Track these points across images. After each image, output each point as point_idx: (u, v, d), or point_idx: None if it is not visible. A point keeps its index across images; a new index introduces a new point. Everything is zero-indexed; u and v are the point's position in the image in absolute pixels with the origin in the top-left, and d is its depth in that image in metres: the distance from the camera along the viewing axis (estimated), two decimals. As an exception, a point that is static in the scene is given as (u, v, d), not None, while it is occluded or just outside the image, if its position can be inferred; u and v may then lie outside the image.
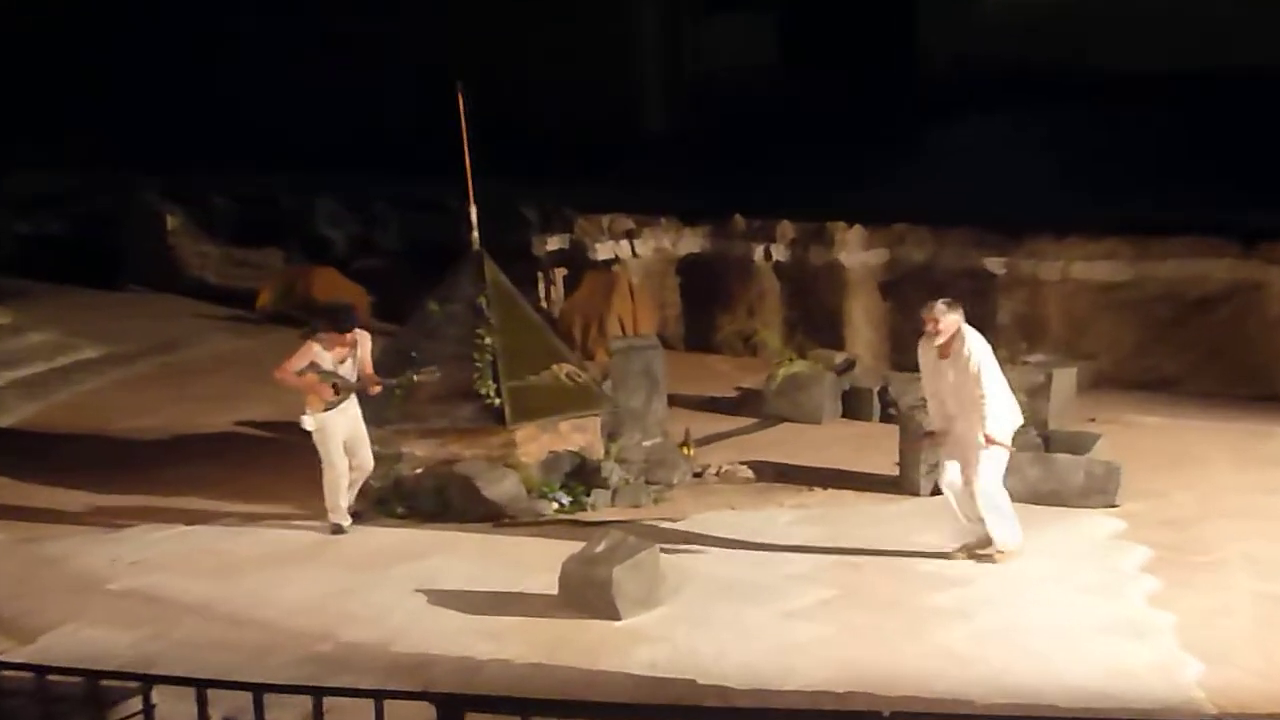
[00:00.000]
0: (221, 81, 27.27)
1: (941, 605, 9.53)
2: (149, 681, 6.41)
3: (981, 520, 10.27)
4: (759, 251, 18.70)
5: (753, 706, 7.54)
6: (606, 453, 12.88)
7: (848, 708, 7.45)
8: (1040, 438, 12.45)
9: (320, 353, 11.34)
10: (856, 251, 18.07)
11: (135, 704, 6.57)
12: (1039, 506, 11.26)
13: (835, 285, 18.17)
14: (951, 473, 10.25)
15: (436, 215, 21.30)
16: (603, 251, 19.41)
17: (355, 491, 11.71)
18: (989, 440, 9.99)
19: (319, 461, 11.52)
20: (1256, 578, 9.68)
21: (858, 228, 18.11)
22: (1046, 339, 16.56)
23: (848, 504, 12.09)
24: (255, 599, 10.05)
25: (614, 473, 12.56)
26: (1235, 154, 17.88)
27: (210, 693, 6.15)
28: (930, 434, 10.68)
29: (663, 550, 9.85)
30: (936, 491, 10.94)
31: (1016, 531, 10.36)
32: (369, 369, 11.55)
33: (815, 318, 18.22)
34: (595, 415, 12.92)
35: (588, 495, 12.31)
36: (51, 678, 6.65)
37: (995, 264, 17.09)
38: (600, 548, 9.61)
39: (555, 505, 12.15)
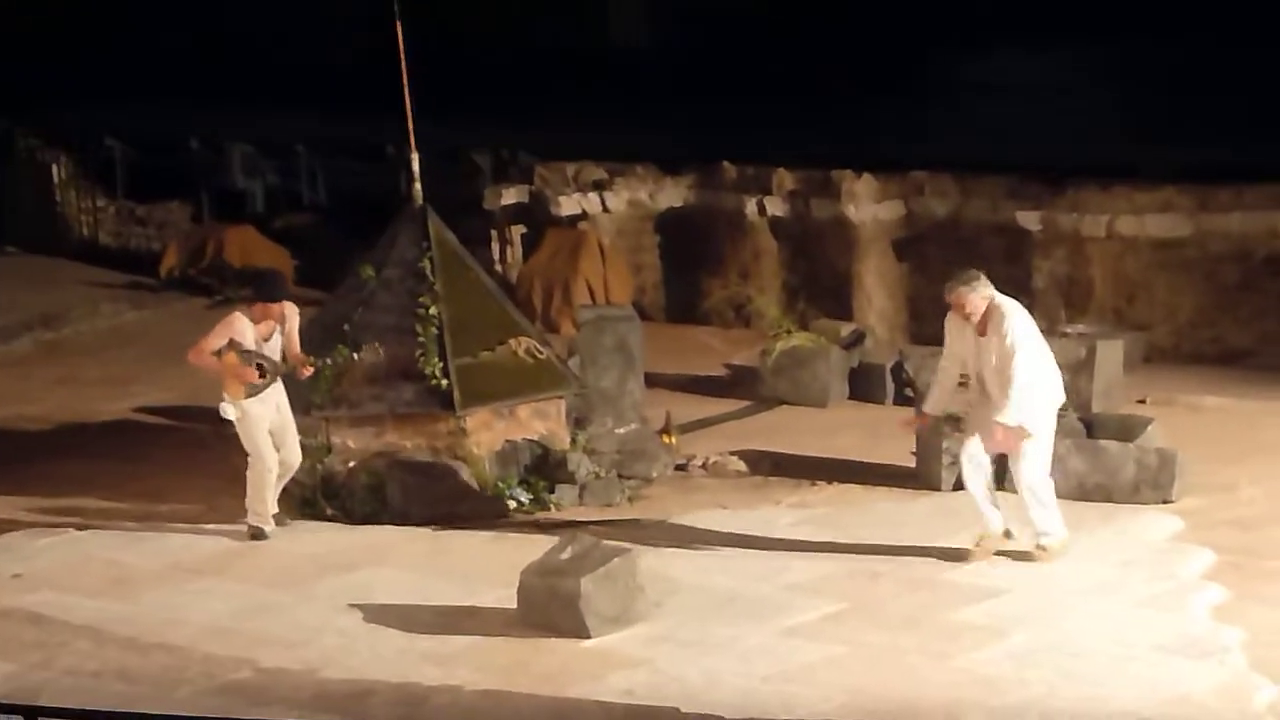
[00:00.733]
0: (116, 1, 27.08)
1: (971, 621, 9.56)
2: (31, 716, 6.44)
3: (997, 506, 10.47)
4: (752, 205, 18.68)
5: (748, 742, 7.53)
6: (573, 442, 12.89)
7: (860, 743, 7.44)
8: (1083, 422, 12.49)
9: (243, 328, 11.36)
10: (867, 204, 18.06)
11: (16, 743, 6.63)
12: (1082, 503, 11.31)
13: (842, 244, 18.17)
14: (974, 445, 10.39)
15: (371, 163, 21.24)
16: (567, 205, 19.33)
17: (279, 490, 11.76)
18: (1004, 431, 10.10)
19: (234, 455, 11.56)
20: (1338, 586, 9.83)
21: (868, 177, 18.10)
22: (1090, 306, 16.59)
23: (858, 501, 12.15)
24: (159, 618, 10.09)
25: (582, 465, 12.56)
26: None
27: (106, 730, 6.13)
28: (922, 416, 10.76)
29: (640, 557, 9.88)
30: (961, 486, 10.96)
31: (1062, 528, 10.46)
32: (296, 347, 11.57)
33: (819, 282, 18.23)
34: (559, 398, 12.95)
35: (551, 492, 12.35)
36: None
37: (1030, 218, 17.12)
38: (566, 554, 9.67)
39: (513, 504, 12.20)
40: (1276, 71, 17.75)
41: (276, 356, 11.42)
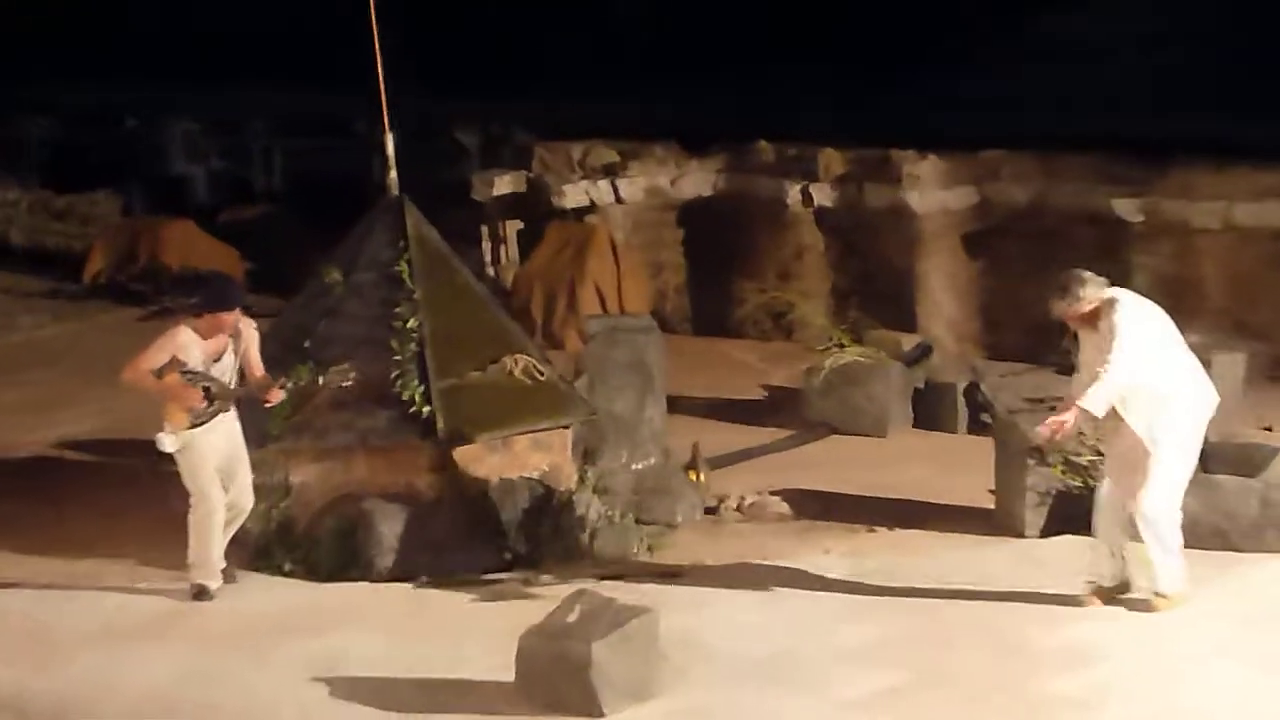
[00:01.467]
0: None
1: (1062, 693, 9.49)
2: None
3: (1124, 558, 10.44)
4: (795, 192, 18.71)
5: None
6: (581, 480, 12.87)
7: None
8: (1195, 453, 12.46)
9: (188, 343, 11.30)
10: (932, 190, 18.09)
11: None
12: (1196, 551, 11.15)
13: (903, 239, 18.20)
14: (1105, 486, 10.43)
15: (337, 145, 21.24)
16: (572, 194, 19.39)
17: (227, 539, 11.69)
18: (1069, 412, 10.06)
19: (175, 496, 11.52)
20: None
21: (934, 157, 18.11)
22: (1202, 311, 16.54)
23: (923, 550, 12.13)
24: (88, 688, 10.00)
25: (592, 508, 12.55)
26: None
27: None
28: (1037, 449, 10.65)
29: (661, 617, 9.81)
30: (1052, 530, 10.92)
31: (1183, 577, 10.48)
32: (258, 369, 11.53)
33: (875, 285, 18.26)
34: (564, 427, 12.90)
35: (555, 540, 12.30)
36: None
37: (1128, 206, 17.12)
38: (573, 615, 9.61)
39: (508, 555, 12.16)
40: None
41: (228, 378, 11.37)
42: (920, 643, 10.24)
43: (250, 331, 11.52)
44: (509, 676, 9.67)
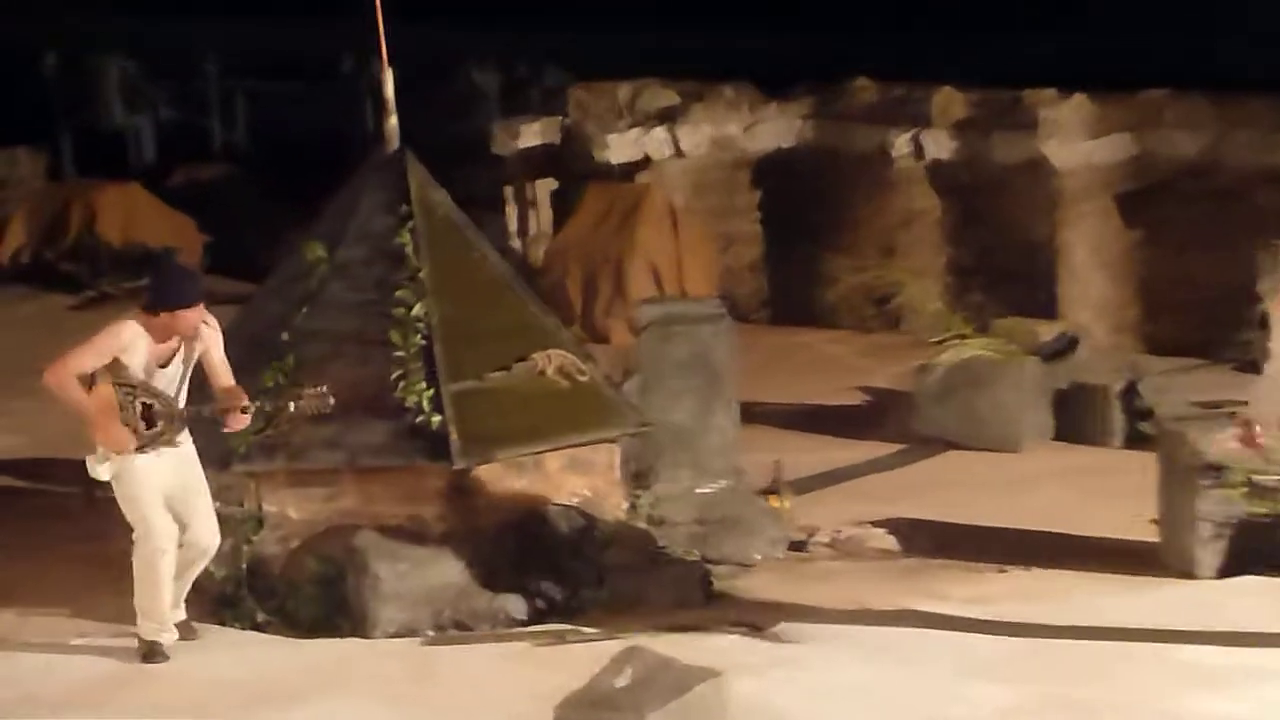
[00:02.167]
0: None
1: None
2: None
3: None
4: (902, 143, 18.70)
5: None
6: (632, 508, 12.99)
7: None
8: None
9: (132, 344, 11.22)
10: (1077, 139, 18.05)
11: None
12: None
13: (1040, 201, 18.18)
14: None
15: (318, 89, 21.29)
16: (619, 147, 19.47)
17: (187, 585, 11.67)
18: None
19: (116, 530, 11.48)
20: None
21: (1080, 98, 18.09)
22: None
23: (1065, 594, 12.10)
24: (3, 777, 9.95)
25: (645, 543, 12.72)
26: None
27: None
28: (1214, 466, 10.63)
29: (731, 682, 9.69)
30: (1232, 570, 10.88)
31: None
32: (225, 377, 11.45)
33: (1004, 260, 18.23)
34: (610, 441, 12.95)
35: (599, 584, 12.35)
36: None
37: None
38: (622, 679, 9.50)
39: (539, 603, 12.21)
40: None
41: (174, 392, 11.29)
42: (1059, 712, 10.16)
43: (212, 332, 11.40)
44: (539, 757, 9.63)
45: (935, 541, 13.21)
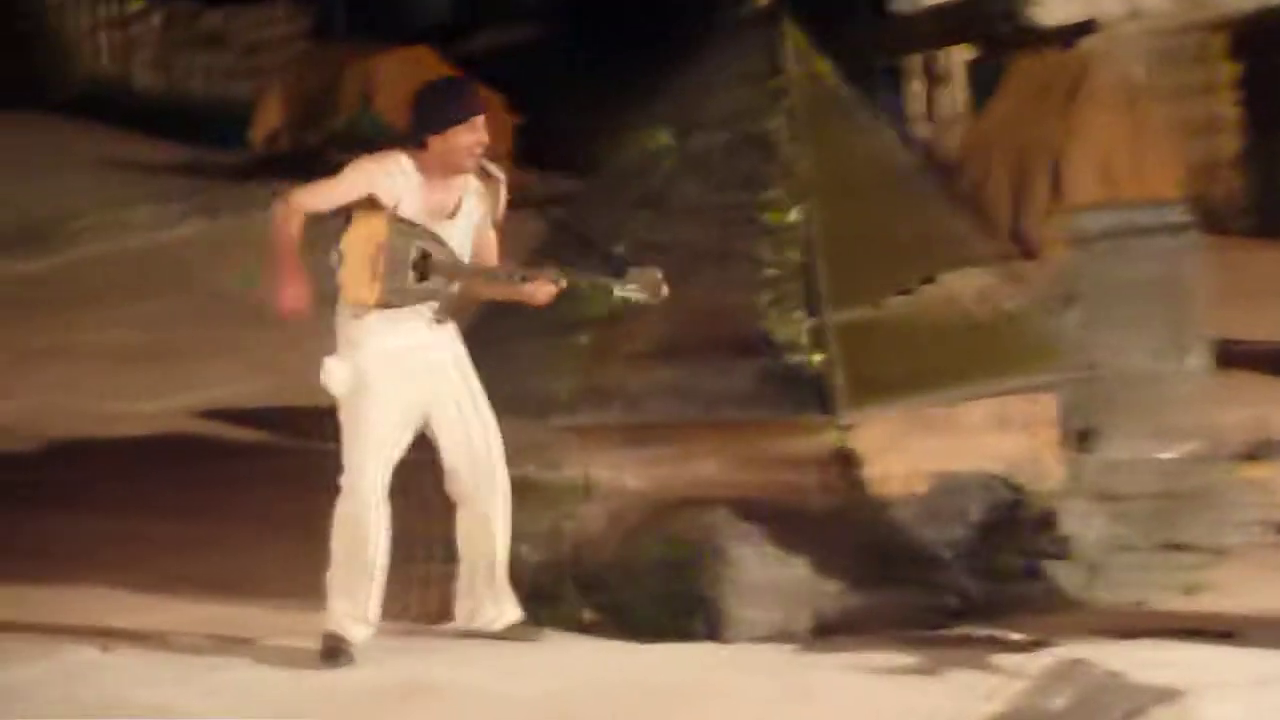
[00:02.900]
0: None
1: None
2: None
3: None
4: None
5: None
6: (1073, 478, 11.90)
7: None
8: None
9: (394, 182, 10.11)
10: None
11: None
12: None
13: None
14: None
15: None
16: (1057, 5, 18.48)
17: (476, 569, 10.59)
18: None
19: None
20: None
21: None
22: None
23: None
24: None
25: (1092, 523, 11.52)
26: None
27: None
28: None
29: (1201, 704, 9.07)
30: None
31: None
32: (493, 247, 10.34)
33: None
34: (1044, 390, 11.84)
35: (1028, 577, 11.36)
36: None
37: None
38: (1061, 699, 9.28)
39: (949, 600, 11.28)
40: None
41: (460, 252, 10.20)
42: None
43: (500, 183, 10.43)
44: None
45: None
